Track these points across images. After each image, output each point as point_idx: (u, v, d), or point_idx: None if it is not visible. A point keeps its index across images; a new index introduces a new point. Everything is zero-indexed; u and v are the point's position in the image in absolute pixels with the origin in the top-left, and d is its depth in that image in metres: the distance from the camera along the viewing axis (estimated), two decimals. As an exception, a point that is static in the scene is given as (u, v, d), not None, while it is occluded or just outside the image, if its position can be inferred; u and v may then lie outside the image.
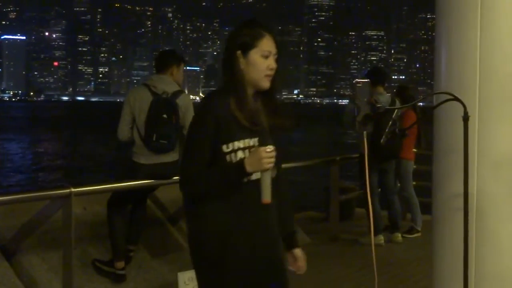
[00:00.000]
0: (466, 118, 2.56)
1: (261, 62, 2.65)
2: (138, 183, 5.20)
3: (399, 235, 7.27)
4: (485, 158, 3.04)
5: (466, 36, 3.10)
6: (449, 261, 3.16)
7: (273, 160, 2.52)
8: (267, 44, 2.67)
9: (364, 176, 7.29)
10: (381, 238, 7.09)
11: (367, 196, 6.38)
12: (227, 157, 2.61)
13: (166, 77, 5.32)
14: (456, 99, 2.55)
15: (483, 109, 3.04)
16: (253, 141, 2.64)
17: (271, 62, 2.67)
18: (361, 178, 7.43)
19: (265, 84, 2.67)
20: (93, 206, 5.74)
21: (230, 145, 2.61)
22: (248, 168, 2.53)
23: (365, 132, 2.51)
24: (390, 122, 6.62)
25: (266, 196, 2.54)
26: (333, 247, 7.16)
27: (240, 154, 2.60)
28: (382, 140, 6.62)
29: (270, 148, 2.52)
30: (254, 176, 2.61)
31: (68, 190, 4.64)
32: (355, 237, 7.31)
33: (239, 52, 2.66)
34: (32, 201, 4.96)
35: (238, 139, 2.61)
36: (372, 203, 7.29)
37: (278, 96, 2.80)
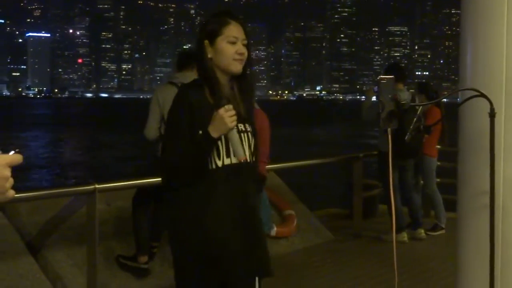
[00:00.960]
0: (492, 115, 2.52)
1: (228, 47, 2.72)
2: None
3: (422, 231, 7.21)
4: (511, 155, 3.00)
5: (492, 32, 3.05)
6: (474, 258, 3.12)
7: (235, 117, 2.58)
8: (232, 30, 2.74)
9: (383, 173, 7.27)
10: (404, 236, 7.03)
11: (389, 194, 6.36)
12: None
13: (192, 74, 5.32)
14: (483, 95, 2.51)
15: (510, 105, 3.00)
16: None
17: (240, 47, 2.73)
18: (381, 175, 7.40)
19: (235, 68, 2.73)
20: (116, 202, 5.78)
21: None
22: (214, 134, 2.60)
23: (389, 129, 2.49)
24: (415, 119, 6.56)
25: (240, 154, 2.60)
26: (356, 244, 7.13)
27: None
28: (406, 137, 6.57)
29: (228, 106, 2.57)
30: (227, 161, 2.67)
31: (92, 187, 4.68)
32: (378, 234, 7.27)
33: (206, 41, 2.75)
34: (56, 197, 5.02)
35: None
36: (392, 200, 7.25)
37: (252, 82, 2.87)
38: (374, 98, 7.15)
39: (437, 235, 7.43)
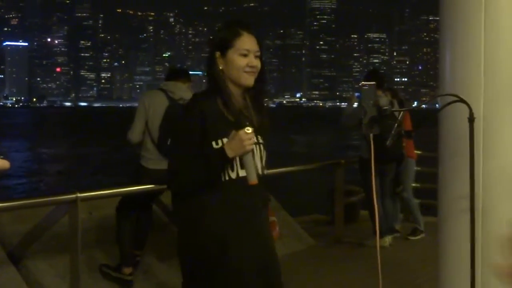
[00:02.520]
0: (471, 120, 2.57)
1: (239, 60, 2.66)
2: (145, 188, 5.22)
3: (390, 238, 7.24)
4: (490, 159, 3.06)
5: (471, 38, 3.11)
6: (455, 261, 3.17)
7: (253, 141, 2.53)
8: (244, 43, 2.68)
9: (365, 179, 7.33)
10: (386, 240, 7.10)
11: (371, 199, 6.41)
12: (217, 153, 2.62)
13: (182, 84, 5.35)
14: (462, 100, 2.56)
15: (488, 110, 3.06)
16: None
17: (251, 60, 2.67)
18: (363, 181, 7.45)
19: (246, 81, 2.68)
20: (98, 211, 5.76)
21: (219, 141, 2.62)
22: (230, 153, 2.55)
23: (371, 135, 2.52)
24: (396, 124, 6.64)
25: (252, 178, 2.54)
26: (338, 249, 7.17)
27: None
28: (388, 142, 6.63)
29: (249, 129, 2.52)
30: (242, 173, 2.62)
31: (74, 195, 4.66)
32: (360, 240, 7.31)
33: (218, 53, 2.70)
34: (38, 206, 4.98)
35: (227, 136, 2.61)
36: (375, 206, 7.31)
37: (264, 95, 2.81)
38: (355, 105, 7.23)
39: (417, 240, 7.48)
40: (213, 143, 2.62)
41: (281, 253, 6.73)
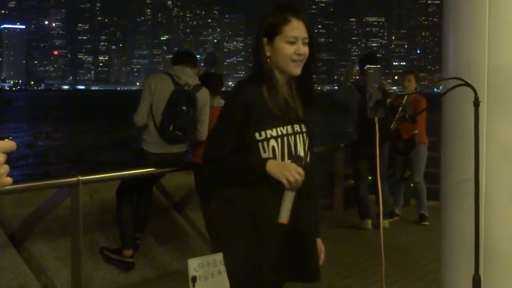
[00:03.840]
0: (477, 104, 2.56)
1: (286, 48, 2.58)
2: (145, 171, 5.23)
3: (387, 221, 7.26)
4: (493, 143, 3.05)
5: (475, 20, 3.10)
6: (457, 245, 3.18)
7: (298, 182, 2.45)
8: (293, 30, 2.59)
9: (354, 161, 7.36)
10: (369, 223, 7.23)
11: (376, 181, 6.43)
12: (260, 145, 2.57)
13: (189, 69, 5.33)
14: (467, 84, 2.55)
15: (492, 94, 3.05)
16: (285, 130, 2.59)
17: (299, 47, 2.58)
18: (352, 164, 7.49)
19: (294, 70, 2.60)
20: (99, 194, 5.76)
21: (263, 133, 2.57)
22: (269, 170, 2.49)
23: (376, 118, 2.52)
24: (400, 108, 6.64)
25: (283, 217, 2.46)
26: (337, 233, 7.19)
27: (272, 143, 2.57)
28: (392, 126, 6.66)
29: (301, 171, 2.46)
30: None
31: (75, 179, 4.67)
32: (359, 223, 7.34)
33: (265, 39, 2.62)
34: (40, 189, 4.99)
35: (271, 128, 2.57)
36: (359, 189, 7.37)
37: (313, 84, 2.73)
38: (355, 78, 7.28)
39: (417, 224, 7.52)
40: (256, 134, 2.57)
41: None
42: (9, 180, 1.45)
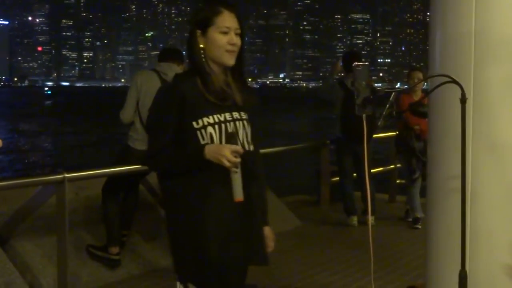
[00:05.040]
0: (463, 100, 2.58)
1: (220, 38, 2.67)
2: (132, 168, 5.21)
3: (373, 218, 7.26)
4: (480, 140, 3.08)
5: (461, 17, 3.12)
6: (444, 241, 3.20)
7: (237, 161, 2.52)
8: (225, 20, 2.68)
9: (339, 159, 7.37)
10: (354, 219, 7.25)
11: (364, 178, 6.44)
12: (198, 133, 2.65)
13: (176, 66, 5.32)
14: (454, 81, 2.56)
15: (478, 91, 3.07)
16: (223, 117, 2.67)
17: (232, 38, 2.68)
18: (337, 161, 7.49)
19: (228, 60, 2.69)
20: (85, 191, 5.74)
21: (200, 121, 2.65)
22: (207, 156, 2.57)
23: (364, 115, 2.53)
24: (388, 105, 6.67)
25: (237, 195, 2.54)
26: (324, 229, 7.22)
27: (210, 130, 2.64)
28: (379, 123, 6.69)
29: (237, 148, 2.53)
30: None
31: (61, 176, 4.64)
32: (345, 220, 7.37)
33: (198, 31, 2.71)
34: (25, 187, 4.96)
35: (207, 115, 2.65)
36: (344, 186, 7.39)
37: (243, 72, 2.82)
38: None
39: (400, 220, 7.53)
40: (194, 123, 2.65)
41: (268, 233, 6.80)
42: None
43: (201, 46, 2.69)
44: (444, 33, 3.22)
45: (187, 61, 2.80)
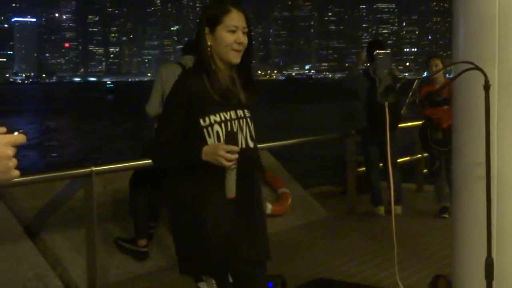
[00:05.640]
0: (487, 87, 2.56)
1: (227, 37, 2.71)
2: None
3: (399, 207, 7.21)
4: (505, 126, 3.05)
5: (484, 4, 3.08)
6: (470, 229, 3.18)
7: (233, 159, 2.56)
8: (233, 19, 2.72)
9: (364, 147, 7.35)
10: (381, 209, 7.22)
11: (387, 168, 6.39)
12: (205, 130, 2.71)
13: None
14: (477, 68, 2.54)
15: (503, 78, 3.04)
16: (229, 115, 2.72)
17: (239, 36, 2.72)
18: (363, 151, 7.47)
19: (234, 59, 2.74)
20: (113, 184, 5.80)
21: (207, 119, 2.71)
22: (204, 157, 2.63)
23: (386, 104, 2.52)
24: (410, 93, 6.60)
25: (231, 192, 2.60)
26: (350, 220, 7.20)
27: (216, 128, 2.70)
28: (402, 111, 6.63)
29: (233, 148, 2.56)
30: (241, 145, 2.70)
31: (89, 169, 4.70)
32: (372, 210, 7.34)
33: (207, 28, 2.75)
34: (53, 180, 5.03)
35: (214, 113, 2.71)
36: (371, 176, 7.36)
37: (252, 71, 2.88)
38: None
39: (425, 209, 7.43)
40: (201, 120, 2.71)
41: (294, 225, 6.82)
42: (17, 173, 1.47)
43: (209, 43, 2.74)
44: (468, 20, 3.20)
45: (196, 57, 2.85)
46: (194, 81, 2.73)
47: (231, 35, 2.71)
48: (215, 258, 2.75)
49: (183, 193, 2.79)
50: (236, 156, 2.56)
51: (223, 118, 2.71)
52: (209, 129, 2.70)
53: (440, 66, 6.92)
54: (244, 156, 2.69)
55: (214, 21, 2.73)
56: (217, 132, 2.69)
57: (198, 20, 2.83)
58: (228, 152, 2.55)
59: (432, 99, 6.76)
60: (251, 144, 2.78)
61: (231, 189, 2.59)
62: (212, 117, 2.70)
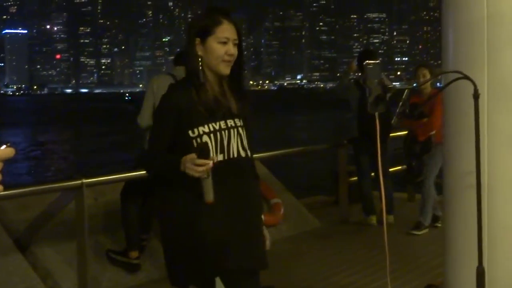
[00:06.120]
0: (476, 96, 2.57)
1: (218, 48, 2.72)
2: (149, 172, 5.22)
3: (391, 217, 7.21)
4: (495, 135, 3.06)
5: (473, 14, 3.10)
6: (461, 238, 3.19)
7: (200, 171, 2.58)
8: (224, 31, 2.73)
9: (355, 157, 7.36)
10: (373, 219, 7.23)
11: (378, 178, 6.39)
12: (194, 141, 2.73)
13: None
14: (466, 77, 2.55)
15: (492, 86, 3.05)
16: (218, 125, 2.74)
17: (229, 48, 2.73)
18: (355, 161, 7.47)
19: (224, 70, 2.75)
20: (104, 196, 5.77)
21: (195, 130, 2.73)
22: (182, 168, 2.64)
23: (377, 113, 2.52)
24: (401, 103, 6.59)
25: (208, 198, 2.63)
26: (343, 229, 7.19)
27: (205, 138, 2.72)
28: (393, 121, 6.62)
29: (200, 162, 2.58)
30: (220, 157, 2.72)
31: (79, 181, 4.68)
32: (365, 220, 7.34)
33: (198, 39, 2.76)
34: (44, 193, 5.00)
35: (203, 124, 2.73)
36: (362, 185, 7.36)
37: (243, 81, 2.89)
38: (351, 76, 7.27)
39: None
40: (190, 132, 2.73)
41: (287, 235, 6.81)
42: (1, 188, 1.44)
43: (199, 53, 2.75)
44: (457, 29, 3.21)
45: (185, 68, 2.86)
46: (182, 94, 2.75)
47: (222, 47, 2.72)
48: (205, 268, 2.73)
49: (174, 200, 2.79)
50: (203, 168, 2.57)
51: (211, 128, 2.72)
52: (198, 140, 2.72)
53: (428, 75, 6.82)
54: (234, 165, 2.71)
55: (205, 32, 2.74)
56: (206, 143, 2.71)
57: (187, 30, 2.84)
58: (197, 165, 2.57)
59: (417, 111, 6.65)
60: (242, 154, 2.78)
61: (208, 195, 2.62)
62: (201, 128, 2.72)
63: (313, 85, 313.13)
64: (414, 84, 7.26)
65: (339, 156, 7.74)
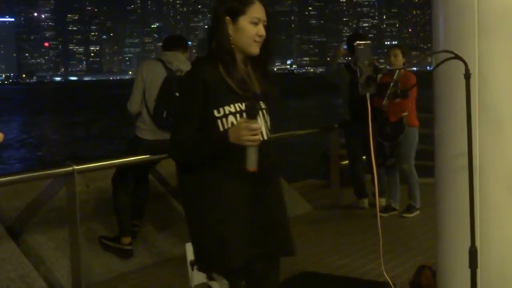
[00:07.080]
0: (468, 76, 2.56)
1: (250, 28, 2.68)
2: (140, 158, 5.22)
3: (383, 200, 7.21)
4: (486, 116, 3.06)
5: (464, -6, 3.09)
6: (453, 219, 3.19)
7: (256, 137, 2.51)
8: (256, 11, 2.69)
9: (347, 141, 7.37)
10: (365, 202, 7.27)
11: (370, 161, 6.40)
12: (219, 122, 2.64)
13: (181, 54, 5.31)
14: (457, 57, 2.55)
15: (483, 66, 3.05)
16: (244, 106, 2.64)
17: (260, 29, 2.70)
18: (347, 145, 7.48)
19: (254, 50, 2.70)
20: (95, 183, 5.76)
21: (221, 109, 2.63)
22: (231, 139, 2.55)
23: (368, 94, 2.52)
24: (392, 84, 6.59)
25: (250, 165, 2.52)
26: (335, 213, 7.22)
27: (231, 119, 2.63)
28: (384, 102, 6.63)
29: (254, 124, 2.51)
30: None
31: (71, 168, 4.66)
32: (356, 203, 7.36)
33: (228, 18, 2.69)
34: (35, 180, 4.98)
35: (229, 104, 2.64)
36: (354, 169, 7.37)
37: (270, 64, 2.82)
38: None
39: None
40: (215, 111, 2.63)
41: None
42: None
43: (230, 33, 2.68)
44: (447, 9, 3.20)
45: (211, 45, 2.73)
46: (209, 69, 2.66)
47: (254, 27, 2.68)
48: (231, 255, 2.64)
49: (201, 186, 2.69)
50: (258, 136, 2.51)
51: (238, 108, 2.64)
52: (223, 119, 2.63)
53: (400, 56, 6.76)
54: (263, 149, 2.62)
55: (236, 12, 2.68)
56: (232, 123, 2.62)
57: (215, 9, 2.75)
58: (249, 131, 2.49)
59: (382, 91, 6.60)
60: (266, 137, 2.71)
61: (253, 163, 2.52)
62: (227, 108, 2.63)
63: (303, 70, 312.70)
64: (404, 65, 7.05)
65: (330, 140, 7.75)
